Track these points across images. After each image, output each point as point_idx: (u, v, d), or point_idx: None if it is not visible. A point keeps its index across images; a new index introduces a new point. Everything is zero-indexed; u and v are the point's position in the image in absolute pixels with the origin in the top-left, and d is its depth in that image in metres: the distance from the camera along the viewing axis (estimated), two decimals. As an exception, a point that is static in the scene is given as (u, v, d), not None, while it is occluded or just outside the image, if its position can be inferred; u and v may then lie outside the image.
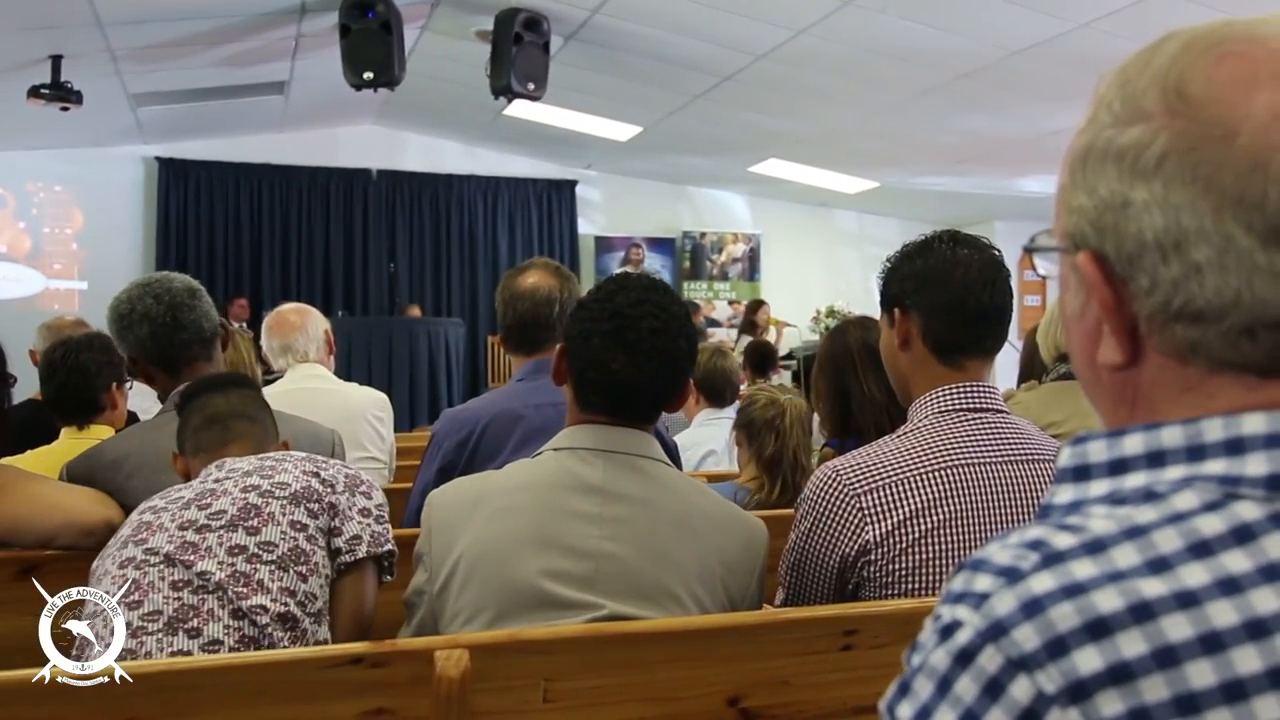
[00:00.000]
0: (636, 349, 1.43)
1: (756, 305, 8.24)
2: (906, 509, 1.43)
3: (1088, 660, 0.48)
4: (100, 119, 7.56)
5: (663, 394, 1.49)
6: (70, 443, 2.30)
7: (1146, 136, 0.55)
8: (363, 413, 2.91)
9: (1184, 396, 0.56)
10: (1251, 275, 0.52)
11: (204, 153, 9.09)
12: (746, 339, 6.82)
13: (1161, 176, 0.54)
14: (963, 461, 1.46)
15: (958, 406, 1.52)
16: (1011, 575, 0.52)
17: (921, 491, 1.44)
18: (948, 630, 0.52)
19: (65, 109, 6.33)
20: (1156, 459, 0.54)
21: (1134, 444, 0.55)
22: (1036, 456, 1.51)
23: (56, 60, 6.18)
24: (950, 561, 1.42)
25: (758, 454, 2.28)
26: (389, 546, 1.59)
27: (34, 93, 6.21)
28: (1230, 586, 0.48)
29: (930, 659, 0.52)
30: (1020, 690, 0.48)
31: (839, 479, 1.47)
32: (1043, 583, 0.50)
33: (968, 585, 0.53)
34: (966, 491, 1.45)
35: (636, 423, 1.48)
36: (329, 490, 1.56)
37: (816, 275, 10.73)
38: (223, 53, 6.56)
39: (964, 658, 0.51)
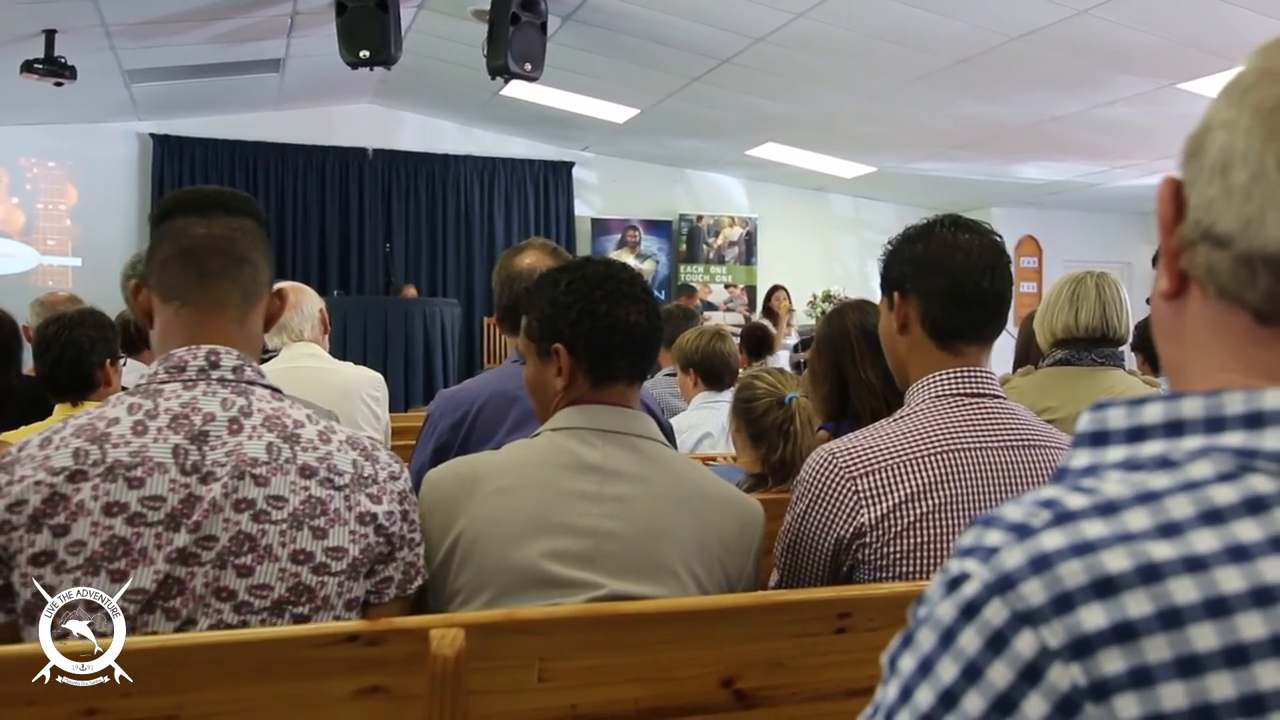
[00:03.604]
0: (636, 298, 1.48)
1: (774, 290, 8.17)
2: (902, 492, 1.44)
3: (1093, 617, 0.48)
4: (94, 95, 7.50)
5: (660, 339, 1.55)
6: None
7: (1248, 69, 0.57)
8: (358, 392, 2.91)
9: (1209, 335, 0.57)
10: (1267, 208, 0.53)
11: (199, 130, 9.01)
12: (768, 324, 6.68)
13: (1244, 104, 0.55)
14: (959, 446, 1.46)
15: (955, 391, 1.52)
16: (1022, 531, 0.52)
17: (917, 475, 1.44)
18: (955, 582, 0.53)
19: (59, 84, 6.27)
20: (1175, 428, 0.55)
21: (1153, 413, 0.56)
22: (1033, 442, 1.51)
23: (50, 35, 6.13)
24: (945, 545, 1.42)
25: (765, 457, 2.25)
26: (418, 582, 1.38)
27: (27, 68, 6.15)
28: (1239, 554, 0.49)
29: (936, 611, 0.53)
30: (1024, 644, 0.49)
31: (835, 462, 1.48)
32: (1053, 540, 0.51)
33: (978, 540, 0.54)
34: (963, 476, 1.45)
35: (637, 385, 1.51)
36: (386, 545, 1.33)
37: (813, 260, 10.71)
38: (217, 29, 6.50)
39: (970, 610, 0.51)
